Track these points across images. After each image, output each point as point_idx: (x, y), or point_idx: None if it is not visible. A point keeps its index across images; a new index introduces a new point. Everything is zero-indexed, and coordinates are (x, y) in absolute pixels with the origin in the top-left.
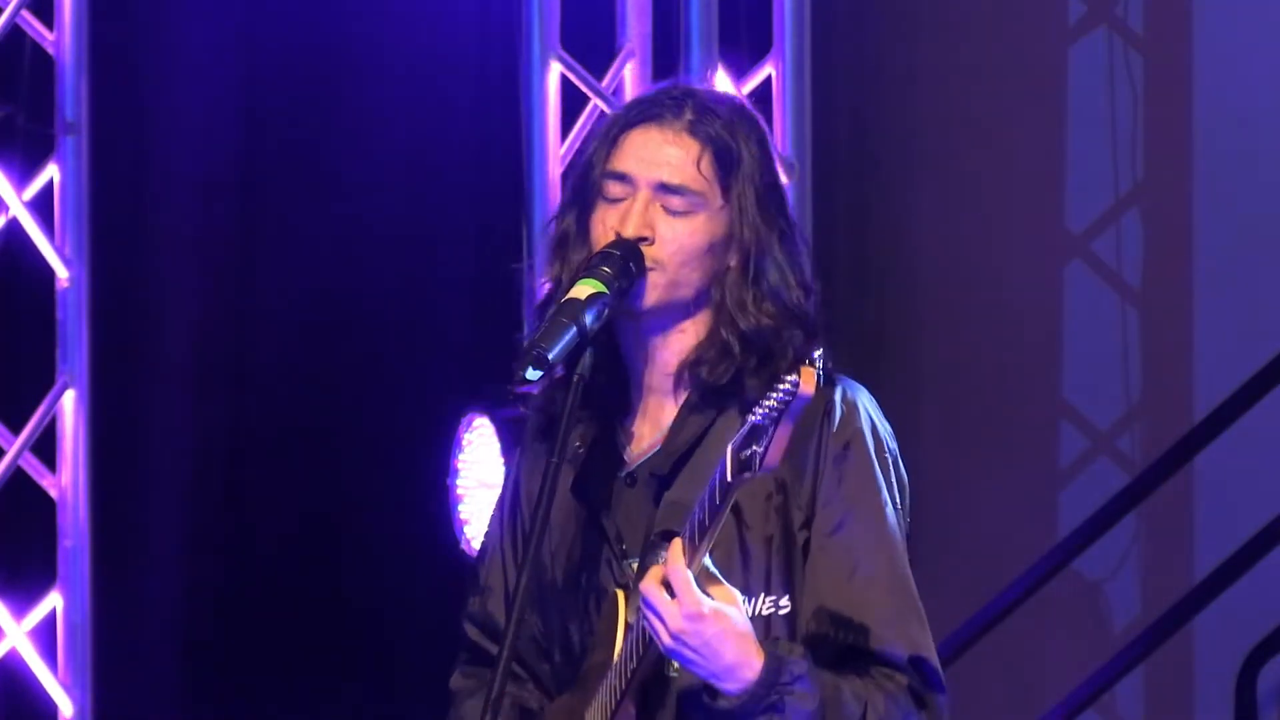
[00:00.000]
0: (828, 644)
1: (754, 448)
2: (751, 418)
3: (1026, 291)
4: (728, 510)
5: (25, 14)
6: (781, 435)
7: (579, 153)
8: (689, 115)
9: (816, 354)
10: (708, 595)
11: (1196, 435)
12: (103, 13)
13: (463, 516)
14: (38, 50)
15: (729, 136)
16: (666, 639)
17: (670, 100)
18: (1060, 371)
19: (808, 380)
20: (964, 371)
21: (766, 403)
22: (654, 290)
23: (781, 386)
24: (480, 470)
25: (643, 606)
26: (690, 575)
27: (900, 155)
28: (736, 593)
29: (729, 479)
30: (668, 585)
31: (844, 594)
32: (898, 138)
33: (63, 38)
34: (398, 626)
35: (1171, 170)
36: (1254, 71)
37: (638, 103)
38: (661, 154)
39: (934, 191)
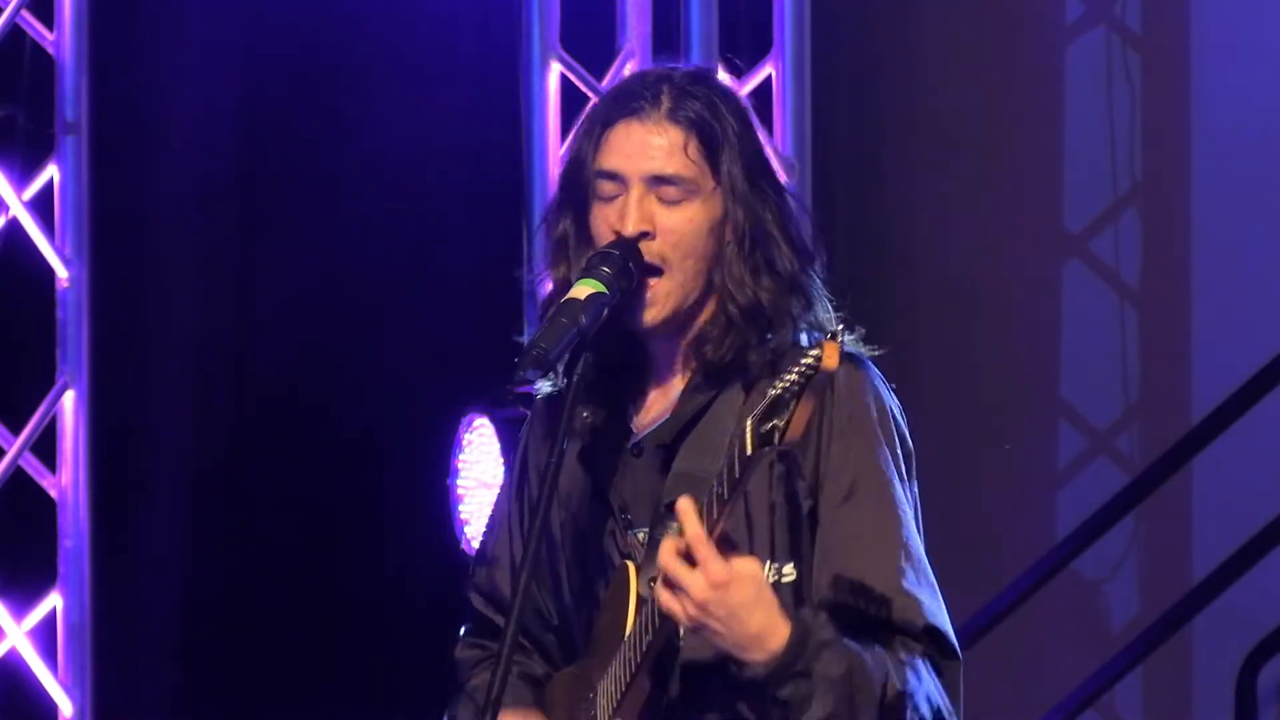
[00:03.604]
0: (843, 615)
1: (775, 421)
2: (773, 391)
3: (1025, 291)
4: (748, 483)
5: (25, 14)
6: (803, 409)
7: (567, 151)
8: (667, 103)
9: (839, 327)
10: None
11: (1195, 436)
12: (103, 13)
13: (463, 516)
14: (38, 50)
15: (710, 117)
16: (692, 610)
17: (646, 90)
18: (1059, 371)
19: (830, 355)
20: (962, 371)
21: (788, 376)
22: (665, 302)
23: (804, 360)
24: (480, 470)
25: (662, 582)
26: (711, 543)
27: (900, 155)
28: (755, 561)
29: (748, 452)
30: (687, 556)
31: (856, 565)
32: (897, 137)
33: (63, 38)
34: (398, 625)
35: (1170, 170)
36: (1253, 71)
37: (615, 96)
38: (648, 146)
39: (933, 191)
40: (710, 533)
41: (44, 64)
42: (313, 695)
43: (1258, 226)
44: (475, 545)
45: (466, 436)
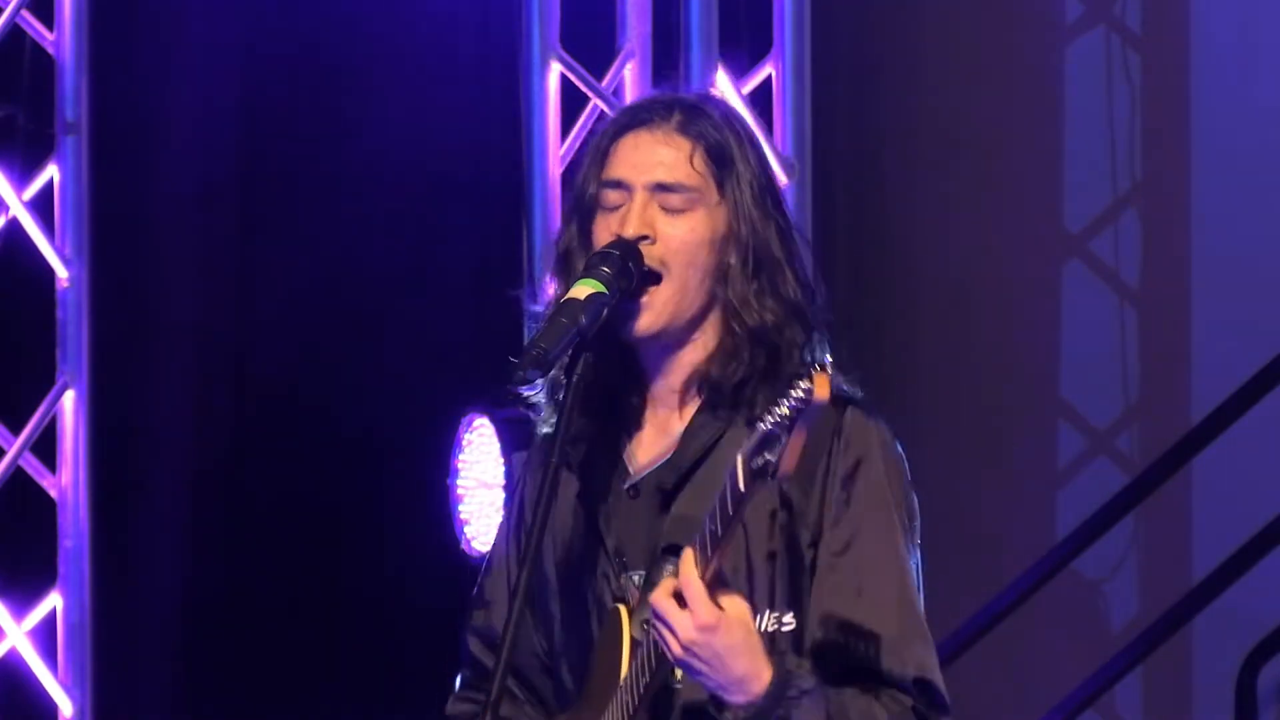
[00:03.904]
0: (834, 662)
1: (766, 456)
2: (762, 426)
3: (1025, 291)
4: (741, 521)
5: (25, 14)
6: (795, 443)
7: (574, 168)
8: (678, 116)
9: (829, 359)
10: (719, 605)
11: (1195, 436)
12: (103, 13)
13: (463, 516)
14: (38, 50)
15: (719, 134)
16: (677, 650)
17: (658, 105)
18: (1058, 371)
19: (821, 386)
20: (962, 371)
21: (779, 410)
22: (662, 310)
23: (794, 393)
24: (480, 470)
25: (653, 618)
26: (702, 585)
27: (899, 155)
28: (745, 605)
29: (741, 489)
30: (679, 596)
31: (851, 613)
32: (897, 137)
33: (63, 38)
34: (398, 625)
35: (1170, 170)
36: (1252, 70)
37: (626, 112)
38: (654, 155)
39: (933, 191)
40: (704, 572)
41: (44, 64)
42: (313, 695)
43: (1258, 226)
44: (476, 547)
45: (466, 436)
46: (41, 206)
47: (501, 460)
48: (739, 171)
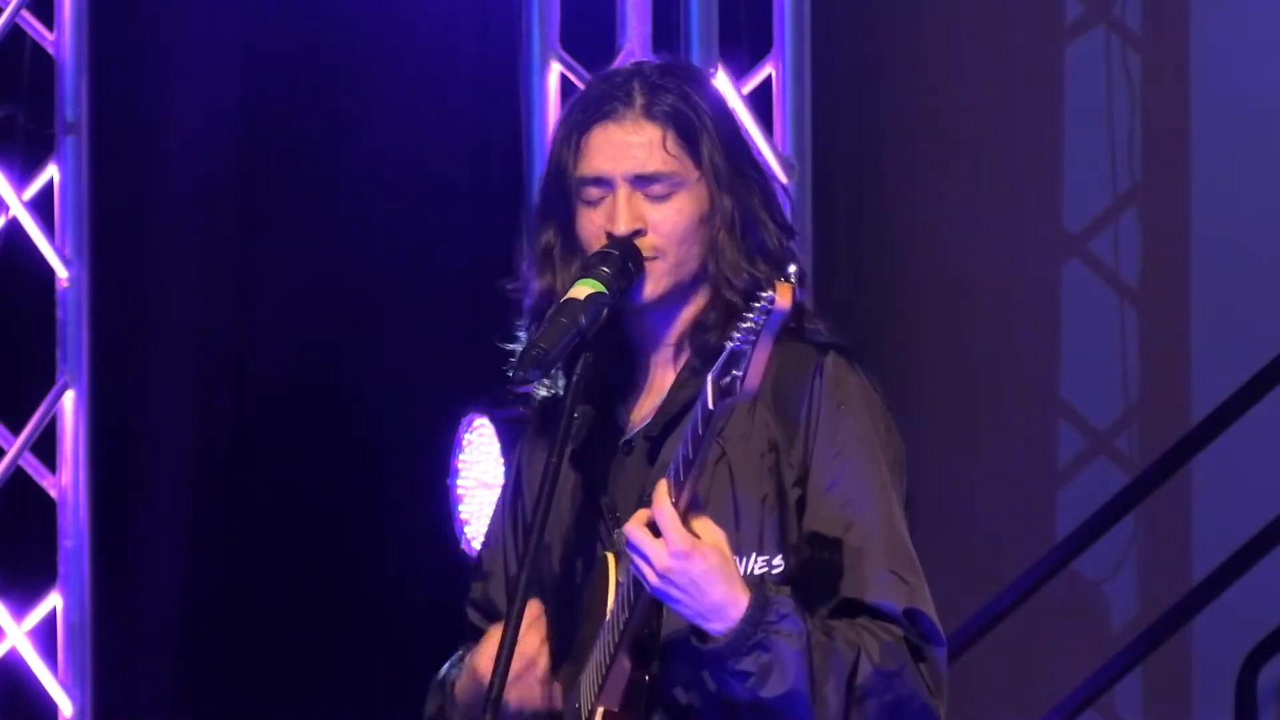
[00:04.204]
0: (823, 596)
1: (733, 373)
2: (729, 343)
3: (1024, 291)
4: (713, 439)
5: (25, 14)
6: (759, 356)
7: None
8: (640, 99)
9: (791, 269)
10: (693, 532)
11: (1195, 436)
12: (103, 13)
13: (463, 516)
14: (38, 50)
15: (685, 106)
16: (653, 579)
17: (618, 90)
18: (1058, 371)
19: (783, 294)
20: (962, 371)
21: (744, 325)
22: (660, 279)
23: (756, 305)
24: (480, 470)
25: (628, 548)
26: (675, 513)
27: (899, 155)
28: (720, 531)
29: (710, 406)
30: (653, 526)
31: (838, 548)
32: (897, 137)
33: (63, 38)
34: (398, 625)
35: (1169, 170)
36: (1252, 70)
37: (588, 101)
38: (628, 146)
39: (932, 191)
40: (679, 496)
41: (44, 64)
42: (313, 695)
43: (1257, 226)
44: (475, 547)
45: (466, 436)
46: (41, 206)
47: (501, 460)
48: (710, 140)
